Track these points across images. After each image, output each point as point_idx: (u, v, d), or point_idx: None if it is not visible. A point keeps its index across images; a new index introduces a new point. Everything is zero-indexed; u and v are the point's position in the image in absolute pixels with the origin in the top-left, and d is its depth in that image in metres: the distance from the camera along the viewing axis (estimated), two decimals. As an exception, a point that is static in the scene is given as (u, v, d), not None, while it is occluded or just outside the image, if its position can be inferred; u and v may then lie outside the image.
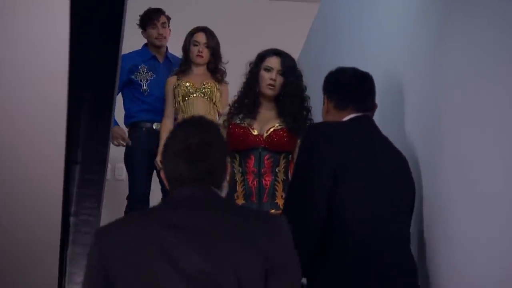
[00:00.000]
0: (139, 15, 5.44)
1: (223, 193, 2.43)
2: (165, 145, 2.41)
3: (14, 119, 2.87)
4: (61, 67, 2.54)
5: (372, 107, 3.30)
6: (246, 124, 3.93)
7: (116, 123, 5.31)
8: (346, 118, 3.23)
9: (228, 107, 4.08)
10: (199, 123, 2.44)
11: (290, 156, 3.95)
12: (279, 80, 3.94)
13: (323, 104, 3.37)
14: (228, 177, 4.63)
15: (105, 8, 2.41)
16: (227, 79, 5.14)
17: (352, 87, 3.30)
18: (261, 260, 2.25)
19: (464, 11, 2.90)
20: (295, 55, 5.29)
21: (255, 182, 3.86)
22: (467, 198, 2.75)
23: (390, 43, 3.76)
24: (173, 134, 2.42)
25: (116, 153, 5.34)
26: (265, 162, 3.89)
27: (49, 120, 2.85)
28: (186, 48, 5.10)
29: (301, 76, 3.99)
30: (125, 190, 5.43)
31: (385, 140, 3.21)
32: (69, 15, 2.35)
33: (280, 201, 3.88)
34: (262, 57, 4.00)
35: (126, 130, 5.37)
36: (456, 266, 2.83)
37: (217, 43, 5.11)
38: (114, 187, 6.11)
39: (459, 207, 2.81)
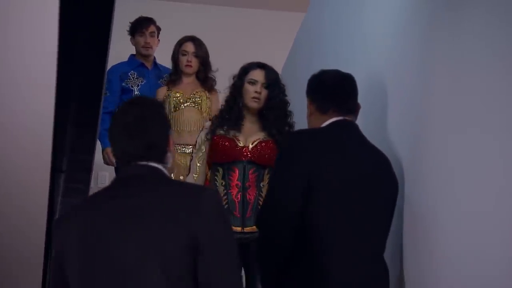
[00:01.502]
0: (130, 22, 5.45)
1: (169, 164, 2.48)
2: (109, 126, 2.47)
3: (1, 128, 2.87)
4: (49, 78, 2.55)
5: (355, 109, 3.30)
6: (231, 136, 3.92)
7: (109, 144, 5.33)
8: (326, 123, 3.21)
9: (209, 122, 4.03)
10: (137, 102, 2.52)
11: None
12: (264, 93, 3.91)
13: (307, 107, 3.38)
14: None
15: (92, 22, 2.42)
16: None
17: (333, 88, 3.27)
18: (183, 237, 2.27)
19: (450, 16, 2.89)
20: (280, 64, 5.33)
21: (239, 196, 3.82)
22: (450, 205, 2.75)
23: (376, 50, 3.76)
24: (115, 115, 2.48)
25: (99, 161, 5.34)
26: (250, 176, 3.85)
27: (36, 129, 2.86)
28: (175, 58, 5.07)
29: (284, 90, 3.97)
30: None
31: (366, 144, 3.18)
32: (57, 28, 2.37)
33: (263, 217, 3.86)
34: (245, 70, 3.96)
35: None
36: (437, 272, 2.84)
37: (206, 52, 5.07)
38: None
39: (442, 214, 2.80)
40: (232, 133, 3.87)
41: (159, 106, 2.56)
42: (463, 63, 2.75)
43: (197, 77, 5.05)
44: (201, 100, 4.99)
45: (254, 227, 3.78)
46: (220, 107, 4.94)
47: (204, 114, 5.00)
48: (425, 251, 2.93)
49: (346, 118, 3.20)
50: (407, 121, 3.25)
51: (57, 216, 2.46)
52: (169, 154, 2.46)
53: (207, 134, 3.93)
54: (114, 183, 2.45)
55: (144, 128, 2.40)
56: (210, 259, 2.27)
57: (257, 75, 3.92)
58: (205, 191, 2.42)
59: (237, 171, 3.84)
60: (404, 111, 3.30)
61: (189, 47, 5.03)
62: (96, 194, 2.49)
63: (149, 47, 5.42)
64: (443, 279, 2.78)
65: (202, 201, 2.31)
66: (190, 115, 4.90)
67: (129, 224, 2.29)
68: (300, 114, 4.02)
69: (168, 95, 4.95)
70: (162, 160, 2.43)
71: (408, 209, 3.13)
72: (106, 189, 2.48)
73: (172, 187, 2.44)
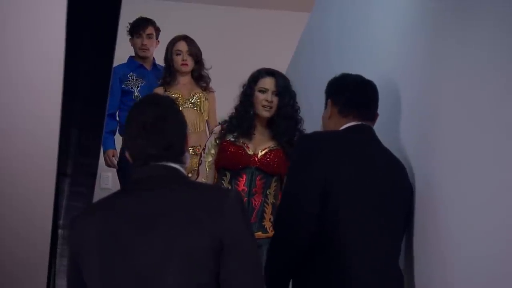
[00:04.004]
0: (129, 23, 5.43)
1: (186, 164, 2.46)
2: (125, 126, 2.44)
3: (6, 131, 2.85)
4: (55, 84, 2.53)
5: (374, 115, 3.29)
6: (241, 143, 3.88)
7: (110, 146, 5.33)
8: (344, 127, 3.21)
9: (219, 126, 4.00)
10: (153, 101, 2.47)
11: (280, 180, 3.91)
12: (275, 100, 3.88)
13: (325, 108, 3.34)
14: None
15: (99, 26, 2.40)
16: (216, 88, 5.15)
17: (357, 94, 3.28)
18: (208, 239, 2.24)
19: (458, 16, 2.89)
20: (284, 65, 5.31)
21: (244, 201, 3.79)
22: (461, 206, 2.74)
23: (381, 52, 3.75)
24: (130, 114, 2.44)
25: (102, 161, 5.32)
26: (257, 182, 3.84)
27: (42, 134, 2.84)
28: (168, 59, 5.09)
29: (295, 96, 3.93)
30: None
31: (382, 149, 3.19)
32: (64, 30, 2.34)
33: (267, 224, 3.84)
34: (255, 78, 3.93)
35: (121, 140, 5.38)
36: (447, 274, 2.82)
37: (198, 50, 5.11)
38: (100, 196, 6.03)
39: (453, 215, 2.80)
40: (242, 140, 3.84)
41: (176, 105, 2.52)
42: (471, 64, 2.75)
43: (192, 76, 5.05)
44: (200, 101, 5.00)
45: (259, 233, 3.77)
46: (216, 106, 4.97)
47: (203, 116, 5.00)
48: (436, 253, 2.92)
49: (364, 123, 3.20)
50: (415, 123, 3.25)
51: (72, 216, 2.40)
52: (186, 154, 2.43)
53: (216, 139, 3.90)
54: (132, 184, 2.41)
55: (163, 128, 2.37)
56: (234, 262, 2.26)
57: (267, 83, 3.88)
58: (229, 192, 2.41)
59: (244, 177, 3.83)
60: (411, 113, 3.30)
61: (182, 46, 5.05)
62: (113, 195, 2.45)
63: (145, 49, 5.43)
64: (454, 282, 2.77)
65: (227, 203, 2.29)
66: (189, 116, 4.87)
67: (150, 226, 2.26)
68: (304, 116, 4.01)
69: None
70: (180, 160, 2.40)
71: (418, 210, 3.13)
72: (124, 190, 2.47)
73: (194, 188, 2.41)
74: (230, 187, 3.82)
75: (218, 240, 2.25)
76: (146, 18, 5.48)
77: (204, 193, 2.36)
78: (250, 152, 3.84)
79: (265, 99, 3.85)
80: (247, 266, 2.28)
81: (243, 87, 3.95)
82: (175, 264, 2.23)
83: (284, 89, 3.89)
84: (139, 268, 2.25)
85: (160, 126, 2.37)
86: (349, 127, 3.20)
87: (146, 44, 5.42)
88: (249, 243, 2.31)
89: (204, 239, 2.24)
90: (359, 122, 3.21)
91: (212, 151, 3.92)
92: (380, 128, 3.31)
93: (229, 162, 3.84)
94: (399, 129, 3.39)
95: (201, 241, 2.24)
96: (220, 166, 3.89)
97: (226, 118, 3.98)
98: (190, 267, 2.24)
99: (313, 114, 3.85)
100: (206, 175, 3.92)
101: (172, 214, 2.28)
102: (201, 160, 3.95)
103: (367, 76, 3.38)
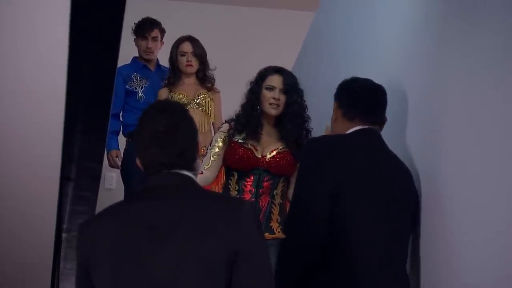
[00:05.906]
0: (134, 23, 5.41)
1: (198, 171, 2.45)
2: (136, 133, 2.42)
3: (10, 136, 2.85)
4: (58, 85, 2.51)
5: (381, 120, 3.27)
6: (249, 145, 3.84)
7: (114, 147, 5.32)
8: (351, 130, 3.20)
9: (227, 124, 3.96)
10: (164, 108, 2.44)
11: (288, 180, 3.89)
12: (282, 98, 3.83)
13: (333, 111, 3.33)
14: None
15: (102, 29, 2.38)
16: (221, 88, 5.13)
17: (363, 98, 3.26)
18: (223, 250, 2.23)
19: (463, 19, 2.88)
20: (289, 64, 5.29)
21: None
22: (467, 207, 2.74)
23: (386, 54, 3.73)
24: (141, 121, 2.41)
25: (105, 162, 5.30)
26: (264, 183, 3.80)
27: (44, 138, 2.83)
28: (173, 60, 5.09)
29: (303, 94, 3.88)
30: (114, 199, 5.38)
31: (389, 154, 3.18)
32: (68, 34, 2.32)
33: (275, 225, 3.81)
34: (262, 75, 3.87)
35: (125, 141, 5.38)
36: (454, 276, 2.82)
37: (203, 50, 5.09)
38: (104, 196, 6.04)
39: (459, 216, 2.79)
40: (250, 142, 3.81)
41: (186, 111, 2.49)
42: (475, 66, 2.74)
43: (197, 76, 5.05)
44: (205, 101, 4.99)
45: (266, 234, 3.75)
46: (221, 107, 4.99)
47: (209, 116, 4.99)
48: (442, 256, 2.92)
49: (371, 127, 3.18)
50: (420, 125, 3.25)
51: (81, 222, 2.38)
52: (198, 161, 2.41)
53: (225, 137, 3.86)
54: (145, 192, 2.38)
55: (176, 135, 2.35)
56: (248, 272, 2.25)
57: (275, 80, 3.84)
58: (244, 203, 2.40)
59: (252, 177, 3.80)
60: (416, 115, 3.30)
61: (187, 47, 5.05)
62: (125, 202, 2.45)
63: (150, 52, 5.44)
64: (460, 285, 2.77)
65: (243, 214, 2.28)
66: (195, 117, 4.82)
67: (165, 235, 2.24)
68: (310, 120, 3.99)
69: (171, 97, 4.94)
70: (192, 168, 2.39)
71: (424, 213, 3.12)
72: (137, 197, 2.41)
73: (208, 197, 2.39)
74: (237, 187, 3.81)
75: (232, 250, 2.24)
76: (152, 20, 5.46)
77: (219, 203, 2.35)
78: (258, 155, 3.81)
79: (273, 97, 3.80)
80: (261, 276, 2.28)
81: (250, 84, 3.90)
82: (189, 273, 2.22)
83: (292, 87, 3.84)
84: (153, 277, 2.23)
85: (173, 134, 2.35)
86: (355, 131, 3.19)
87: (151, 48, 5.42)
88: (263, 253, 2.31)
89: (219, 248, 2.24)
90: (366, 126, 3.20)
91: (220, 143, 3.87)
92: (385, 130, 3.31)
93: (238, 165, 3.81)
94: (404, 131, 3.38)
95: (216, 250, 2.23)
96: (228, 166, 3.86)
97: (233, 116, 3.94)
98: (204, 276, 2.23)
99: (319, 117, 3.84)
100: (209, 163, 3.87)
101: (187, 223, 2.26)
102: (206, 152, 3.91)
103: (372, 78, 3.36)
